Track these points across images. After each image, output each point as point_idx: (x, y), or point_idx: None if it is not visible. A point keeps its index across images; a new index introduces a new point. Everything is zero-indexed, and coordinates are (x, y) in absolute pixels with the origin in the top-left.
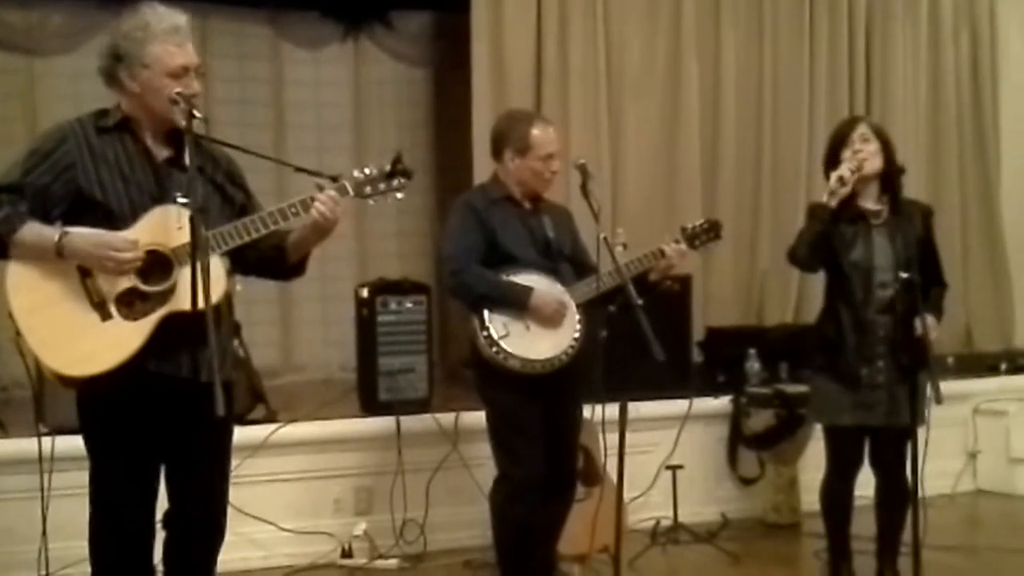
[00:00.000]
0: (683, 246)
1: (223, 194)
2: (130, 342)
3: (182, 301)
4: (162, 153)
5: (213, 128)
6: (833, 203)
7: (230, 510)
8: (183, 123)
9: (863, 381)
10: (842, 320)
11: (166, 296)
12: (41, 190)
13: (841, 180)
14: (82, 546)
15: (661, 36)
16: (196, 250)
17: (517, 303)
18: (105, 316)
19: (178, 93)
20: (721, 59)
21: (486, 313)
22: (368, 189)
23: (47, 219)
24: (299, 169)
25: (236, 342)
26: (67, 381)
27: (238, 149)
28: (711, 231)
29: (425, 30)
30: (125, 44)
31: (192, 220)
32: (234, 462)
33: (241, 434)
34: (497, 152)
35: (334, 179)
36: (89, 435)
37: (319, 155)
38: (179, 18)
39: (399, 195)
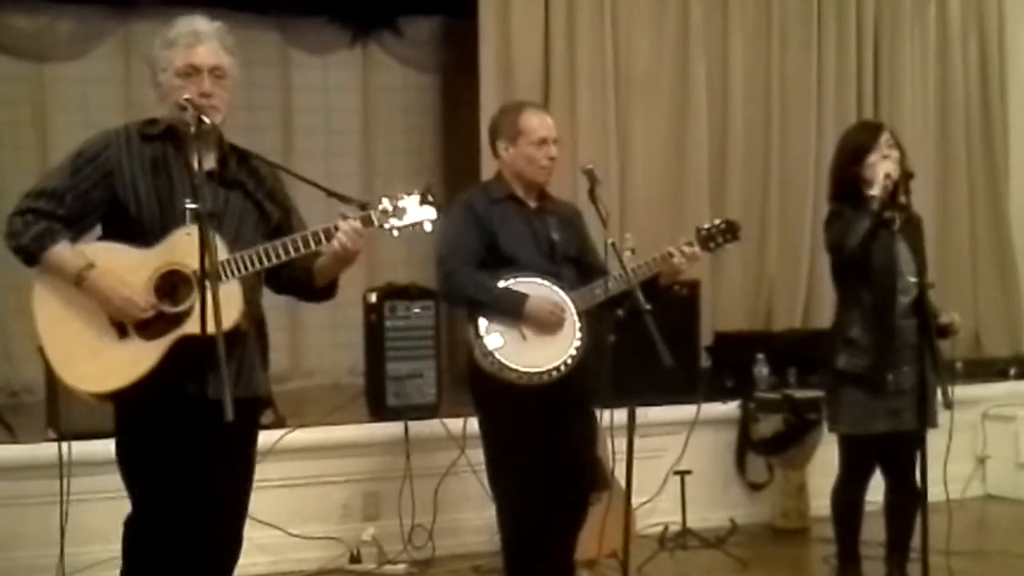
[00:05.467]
0: (695, 249)
1: (260, 211)
2: (143, 361)
3: (195, 324)
4: (207, 164)
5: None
6: (881, 195)
7: None
8: (192, 129)
9: (889, 387)
10: (866, 323)
11: (183, 317)
12: (81, 195)
13: (888, 176)
14: (94, 551)
15: (669, 39)
16: (205, 256)
17: (511, 310)
18: (123, 335)
19: (186, 99)
20: (729, 63)
21: (481, 322)
22: (394, 221)
23: (84, 225)
24: (331, 194)
25: None
26: (93, 396)
27: (282, 169)
28: (728, 232)
29: (433, 35)
30: (152, 52)
31: (201, 226)
32: None
33: None
34: (493, 147)
35: (363, 207)
36: (122, 446)
37: (327, 160)
38: (200, 24)
39: (428, 227)
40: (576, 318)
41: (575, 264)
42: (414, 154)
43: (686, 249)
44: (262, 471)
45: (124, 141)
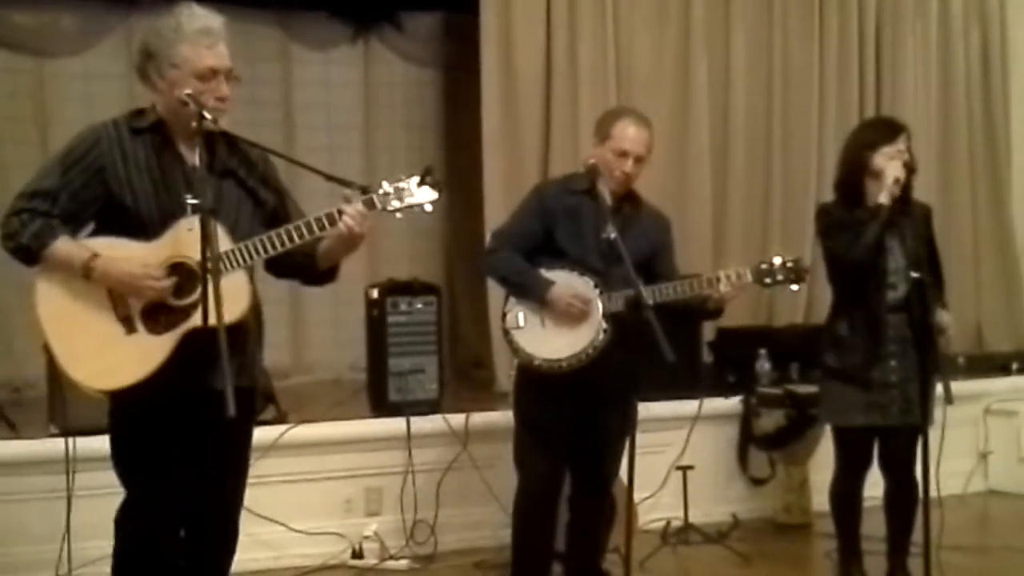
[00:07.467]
0: (747, 279)
1: (255, 198)
2: (153, 357)
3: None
4: (195, 158)
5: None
6: (889, 204)
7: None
8: (193, 124)
9: (875, 382)
10: (854, 321)
11: (189, 311)
12: (75, 193)
13: (897, 181)
14: (97, 546)
15: (670, 35)
16: (207, 252)
17: (535, 294)
18: (130, 329)
19: (188, 94)
20: (731, 58)
21: (511, 301)
22: (396, 203)
23: (79, 222)
24: (330, 178)
25: None
26: (102, 392)
27: (272, 152)
28: (792, 273)
29: (434, 31)
30: (156, 42)
31: (203, 223)
32: None
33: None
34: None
35: (364, 190)
36: (120, 440)
37: (329, 155)
38: (213, 20)
39: (428, 208)
40: (602, 319)
41: (640, 270)
42: (415, 150)
43: (736, 279)
44: (264, 467)
45: (114, 136)
